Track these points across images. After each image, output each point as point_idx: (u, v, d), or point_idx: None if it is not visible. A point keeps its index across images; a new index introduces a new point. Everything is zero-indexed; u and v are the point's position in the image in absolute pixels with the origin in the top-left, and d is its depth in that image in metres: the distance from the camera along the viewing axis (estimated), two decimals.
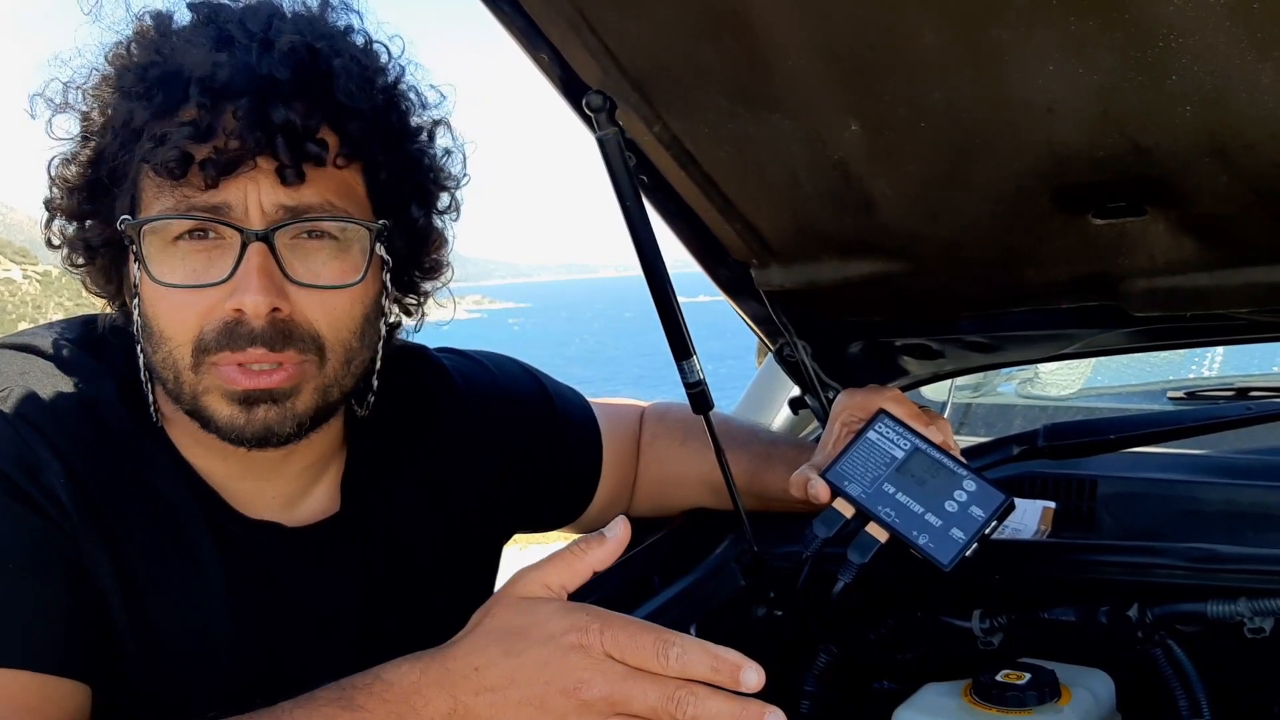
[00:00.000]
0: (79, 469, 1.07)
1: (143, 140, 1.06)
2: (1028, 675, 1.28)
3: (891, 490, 1.26)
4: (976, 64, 1.05)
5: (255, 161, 1.06)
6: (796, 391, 1.76)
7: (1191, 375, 2.49)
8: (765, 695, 1.21)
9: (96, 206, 1.12)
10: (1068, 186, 1.19)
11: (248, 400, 1.09)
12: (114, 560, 1.07)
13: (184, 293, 1.08)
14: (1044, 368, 2.45)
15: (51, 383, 1.11)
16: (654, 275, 1.32)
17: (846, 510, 1.28)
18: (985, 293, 1.47)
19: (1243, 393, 2.09)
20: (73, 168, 1.12)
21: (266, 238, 1.07)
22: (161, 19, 1.12)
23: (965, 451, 1.88)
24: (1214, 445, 1.84)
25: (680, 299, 1.32)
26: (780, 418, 2.21)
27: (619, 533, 0.96)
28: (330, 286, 1.11)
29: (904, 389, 1.83)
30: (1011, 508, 1.24)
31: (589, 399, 1.61)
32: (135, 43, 1.11)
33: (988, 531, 1.22)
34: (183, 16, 1.12)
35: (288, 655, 1.17)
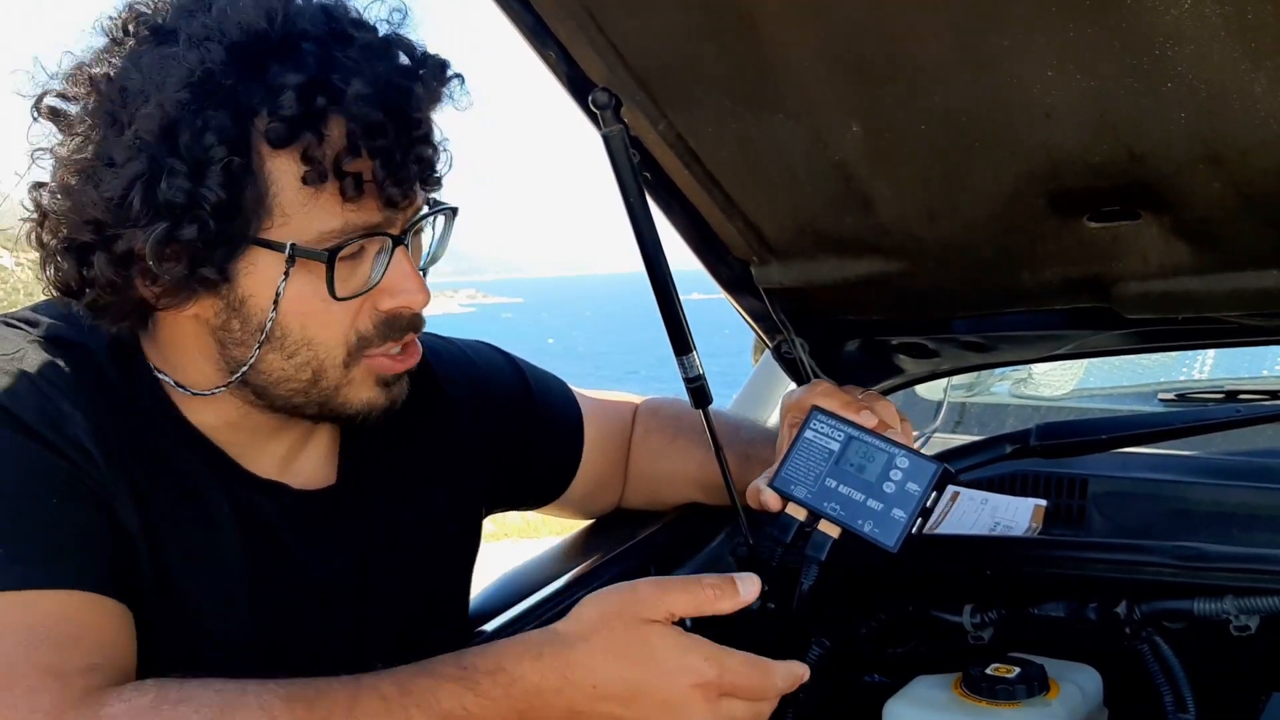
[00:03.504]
0: (100, 422, 1.08)
1: (311, 157, 1.03)
2: (1017, 669, 1.30)
3: (834, 484, 1.27)
4: (976, 68, 1.07)
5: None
6: (794, 387, 1.78)
7: (1182, 378, 2.51)
8: None
9: (225, 223, 1.04)
10: (1064, 190, 1.20)
11: (389, 381, 1.18)
12: (139, 510, 1.09)
13: (342, 302, 1.10)
14: (1037, 369, 2.47)
15: (55, 349, 1.13)
16: (655, 271, 1.33)
17: (799, 514, 1.29)
18: (981, 293, 1.49)
19: (1232, 395, 2.12)
20: (211, 184, 1.01)
21: (405, 239, 1.13)
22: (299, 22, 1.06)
23: (959, 450, 1.90)
24: (1203, 446, 1.87)
25: None
26: (776, 415, 2.22)
27: (751, 593, 1.05)
28: (423, 269, 1.19)
29: (899, 387, 1.85)
30: (948, 475, 1.23)
31: (581, 389, 1.63)
32: (277, 53, 1.04)
33: (928, 504, 1.22)
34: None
35: (292, 615, 1.19)
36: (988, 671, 1.31)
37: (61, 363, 1.11)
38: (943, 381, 2.23)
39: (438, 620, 1.37)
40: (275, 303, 1.08)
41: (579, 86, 1.25)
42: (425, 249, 1.21)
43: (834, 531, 1.27)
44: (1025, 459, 1.80)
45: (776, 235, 1.44)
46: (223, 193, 1.02)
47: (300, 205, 1.06)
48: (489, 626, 1.38)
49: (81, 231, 1.06)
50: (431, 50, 1.13)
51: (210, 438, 1.17)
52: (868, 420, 1.30)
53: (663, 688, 1.02)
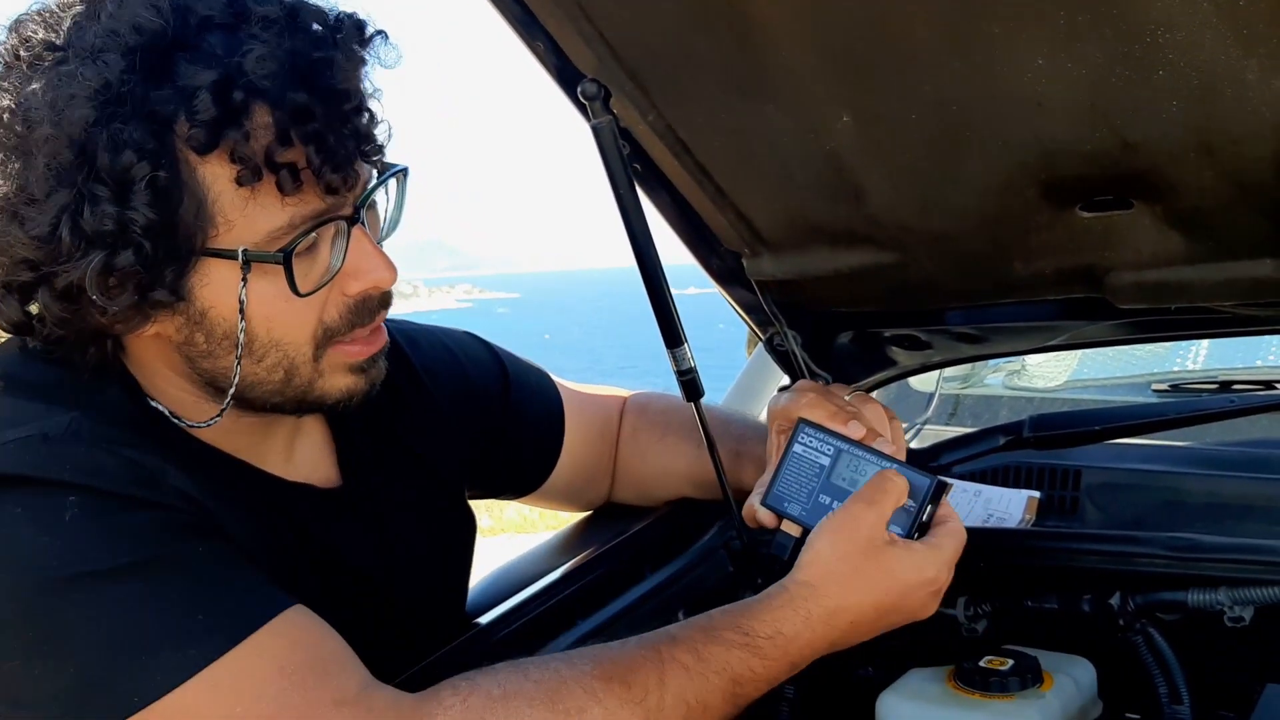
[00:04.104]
0: (178, 462, 1.05)
1: (241, 156, 0.97)
2: (1010, 661, 1.30)
3: (827, 500, 1.26)
4: (967, 58, 1.06)
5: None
6: (786, 380, 1.78)
7: (1176, 368, 2.51)
8: None
9: (165, 242, 0.99)
10: (1056, 180, 1.20)
11: (364, 367, 1.14)
12: (242, 532, 1.08)
13: (307, 297, 1.06)
14: (1030, 360, 2.47)
15: (91, 407, 1.06)
16: (646, 263, 1.33)
17: (794, 530, 1.29)
18: (973, 284, 1.48)
19: (1225, 386, 2.12)
20: (138, 204, 0.96)
21: (358, 217, 1.09)
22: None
23: (952, 441, 1.90)
24: (1197, 437, 1.87)
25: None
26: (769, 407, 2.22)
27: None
28: (383, 239, 1.15)
29: (892, 379, 1.85)
30: (943, 487, 1.24)
31: (566, 382, 1.62)
32: (191, 48, 0.97)
33: (924, 518, 1.23)
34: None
35: (333, 614, 1.18)
36: (981, 664, 1.30)
37: (109, 419, 1.06)
38: (935, 373, 2.23)
39: (446, 607, 1.38)
40: (242, 312, 1.04)
41: (568, 78, 1.25)
42: (382, 219, 1.16)
43: (795, 531, 1.28)
44: (1018, 450, 1.79)
45: (768, 227, 1.44)
46: (152, 212, 0.96)
47: (240, 208, 1.00)
48: (485, 619, 1.37)
49: (17, 272, 1.01)
50: (346, 8, 1.07)
51: (225, 451, 1.16)
52: (855, 431, 1.30)
53: (908, 601, 1.18)
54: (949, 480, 1.27)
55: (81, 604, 0.95)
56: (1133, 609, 1.35)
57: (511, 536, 6.90)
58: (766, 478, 1.35)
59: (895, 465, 1.24)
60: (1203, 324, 1.45)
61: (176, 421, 1.12)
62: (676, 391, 1.44)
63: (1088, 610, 1.38)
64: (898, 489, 1.21)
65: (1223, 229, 1.22)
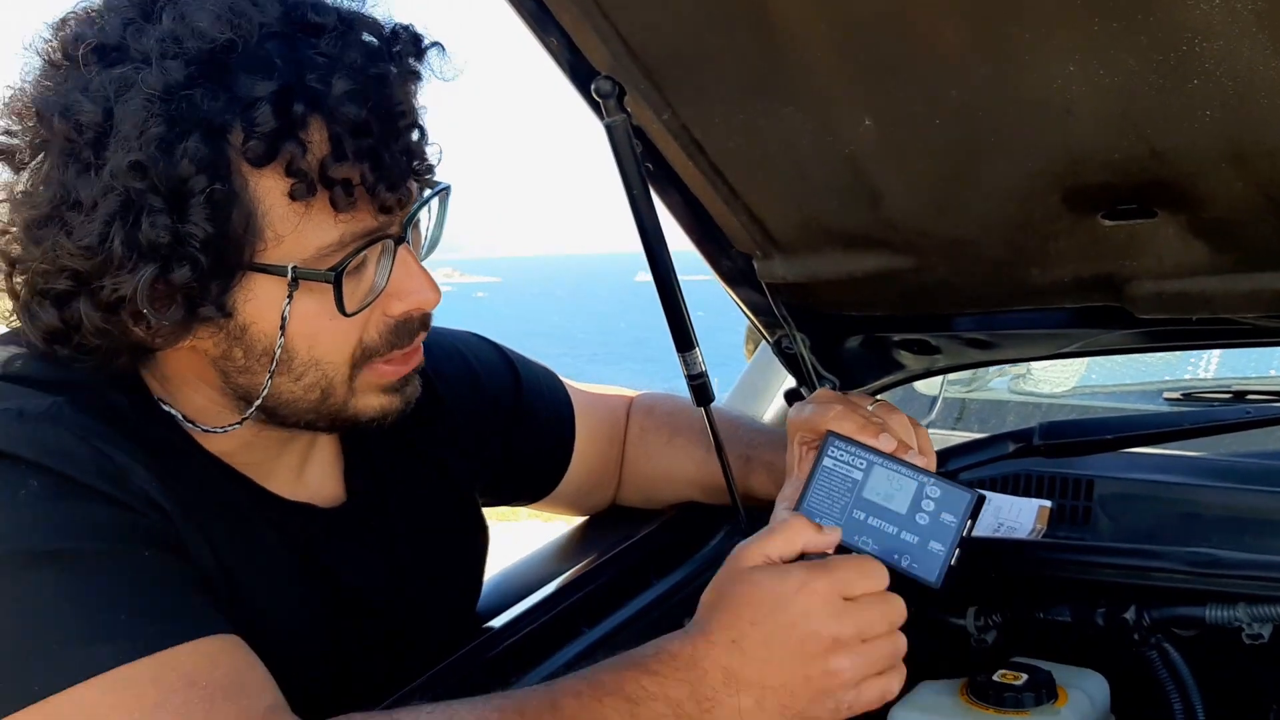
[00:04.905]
0: (154, 468, 1.02)
1: (296, 169, 0.96)
2: (1025, 676, 1.28)
3: (863, 516, 1.24)
4: (995, 63, 1.04)
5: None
6: (791, 382, 1.76)
7: (1188, 376, 2.49)
8: None
9: (217, 256, 0.97)
10: (1080, 187, 1.18)
11: (398, 386, 1.13)
12: (211, 550, 1.05)
13: (351, 316, 1.04)
14: (1037, 364, 2.45)
15: (79, 397, 1.03)
16: (658, 264, 1.31)
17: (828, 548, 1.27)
18: (989, 290, 1.46)
19: (1239, 395, 2.10)
20: (196, 217, 0.94)
21: (405, 236, 1.07)
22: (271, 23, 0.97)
23: (959, 447, 1.88)
24: (1210, 448, 1.85)
25: None
26: (773, 409, 2.20)
27: (833, 537, 1.12)
28: (424, 256, 1.14)
29: (898, 383, 1.82)
30: (982, 502, 1.21)
31: (571, 381, 1.60)
32: (247, 60, 0.95)
33: (965, 533, 1.20)
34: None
35: (337, 629, 1.16)
36: (994, 678, 1.29)
37: (94, 411, 1.03)
38: (940, 377, 2.21)
39: (456, 617, 1.36)
40: (282, 328, 1.02)
41: (581, 74, 1.22)
42: (424, 237, 1.15)
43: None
44: (1028, 458, 1.77)
45: (781, 229, 1.41)
46: (210, 225, 0.94)
47: (291, 222, 0.98)
48: (495, 623, 1.35)
49: (58, 280, 0.98)
50: (401, 20, 1.05)
51: (231, 465, 1.13)
52: (886, 444, 1.26)
53: (785, 615, 1.03)
54: (984, 493, 1.25)
55: (2, 585, 0.93)
56: (1148, 624, 1.34)
57: (493, 523, 6.90)
58: (789, 491, 1.32)
59: (931, 478, 1.22)
60: (1222, 334, 1.43)
61: (189, 426, 1.10)
62: (670, 389, 1.42)
63: (1101, 623, 1.37)
64: (791, 532, 1.11)
65: (1249, 240, 1.20)
